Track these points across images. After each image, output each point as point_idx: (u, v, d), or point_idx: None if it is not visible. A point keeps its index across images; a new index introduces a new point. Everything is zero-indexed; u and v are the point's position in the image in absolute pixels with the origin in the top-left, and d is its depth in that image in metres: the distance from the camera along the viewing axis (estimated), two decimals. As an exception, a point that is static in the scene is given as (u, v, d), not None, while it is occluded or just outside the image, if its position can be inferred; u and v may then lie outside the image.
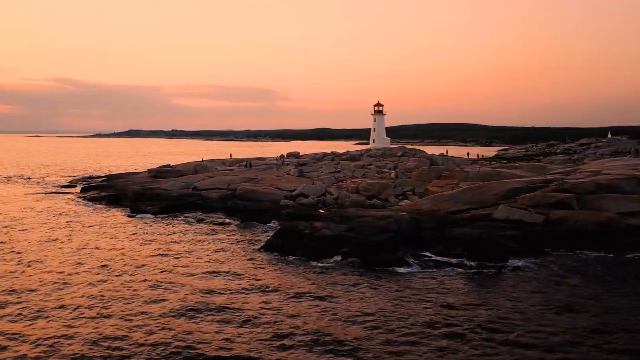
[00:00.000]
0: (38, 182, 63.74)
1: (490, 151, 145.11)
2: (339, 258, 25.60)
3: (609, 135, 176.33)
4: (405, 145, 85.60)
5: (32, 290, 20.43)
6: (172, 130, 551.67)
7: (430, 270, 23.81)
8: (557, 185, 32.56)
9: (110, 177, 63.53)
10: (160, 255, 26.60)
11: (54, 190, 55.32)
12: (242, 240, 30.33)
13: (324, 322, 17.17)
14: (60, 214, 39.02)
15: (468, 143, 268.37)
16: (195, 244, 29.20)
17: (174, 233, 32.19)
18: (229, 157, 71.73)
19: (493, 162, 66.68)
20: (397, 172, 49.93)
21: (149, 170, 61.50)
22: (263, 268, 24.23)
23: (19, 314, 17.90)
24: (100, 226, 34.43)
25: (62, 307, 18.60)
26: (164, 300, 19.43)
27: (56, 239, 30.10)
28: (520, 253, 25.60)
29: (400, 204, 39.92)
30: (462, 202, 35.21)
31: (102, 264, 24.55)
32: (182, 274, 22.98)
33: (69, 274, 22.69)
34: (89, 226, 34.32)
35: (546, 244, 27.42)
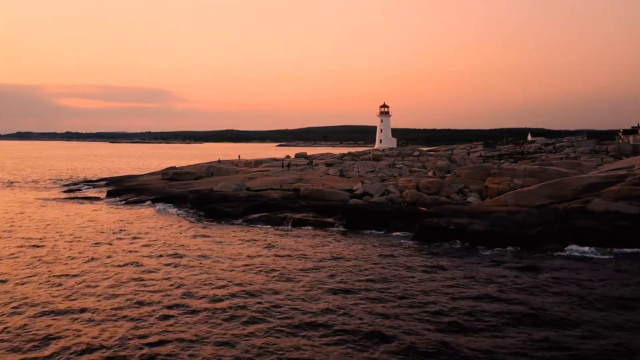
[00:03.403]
0: (36, 188, 58.30)
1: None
2: (508, 248, 27.41)
3: (529, 137, 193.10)
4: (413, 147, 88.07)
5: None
6: (67, 132, 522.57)
7: (599, 256, 26.16)
8: (636, 180, 36.27)
9: (115, 181, 59.72)
10: (324, 265, 25.17)
11: (64, 196, 51.02)
12: (377, 237, 30.70)
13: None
14: (129, 222, 35.61)
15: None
16: (340, 248, 28.13)
17: (300, 237, 31.25)
18: (237, 158, 70.80)
19: (502, 160, 71.19)
20: (434, 170, 52.09)
21: (163, 173, 58.78)
22: (445, 259, 24.90)
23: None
24: (213, 239, 31.16)
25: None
26: (426, 313, 19.70)
27: (183, 257, 25.47)
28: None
29: (467, 199, 42.02)
30: (544, 197, 37.88)
31: (294, 288, 20.89)
32: (367, 280, 21.70)
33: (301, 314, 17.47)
34: (194, 236, 31.46)
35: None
